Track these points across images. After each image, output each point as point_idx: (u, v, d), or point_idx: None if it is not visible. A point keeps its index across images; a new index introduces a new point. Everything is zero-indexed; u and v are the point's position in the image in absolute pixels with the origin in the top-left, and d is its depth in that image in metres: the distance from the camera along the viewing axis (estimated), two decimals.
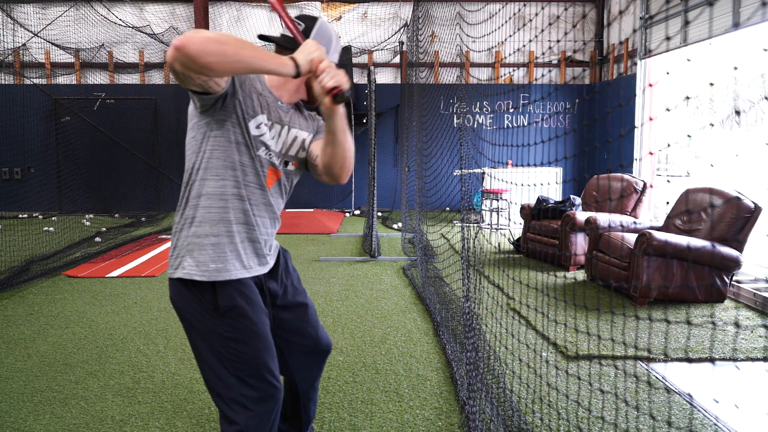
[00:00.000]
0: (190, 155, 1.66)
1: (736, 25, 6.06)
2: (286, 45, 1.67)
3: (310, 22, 1.72)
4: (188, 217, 1.64)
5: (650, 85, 7.93)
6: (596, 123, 9.79)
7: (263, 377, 1.66)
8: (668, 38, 7.37)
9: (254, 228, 1.68)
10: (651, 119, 7.89)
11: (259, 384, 1.65)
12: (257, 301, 1.70)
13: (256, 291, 1.72)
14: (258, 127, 1.64)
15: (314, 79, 1.56)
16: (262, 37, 1.70)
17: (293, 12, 10.36)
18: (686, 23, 7.04)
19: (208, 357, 1.65)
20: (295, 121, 1.76)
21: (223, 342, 1.63)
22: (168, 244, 7.08)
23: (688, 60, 6.43)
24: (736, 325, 4.05)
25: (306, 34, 1.69)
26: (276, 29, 10.24)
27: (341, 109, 1.58)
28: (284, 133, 1.72)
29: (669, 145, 7.82)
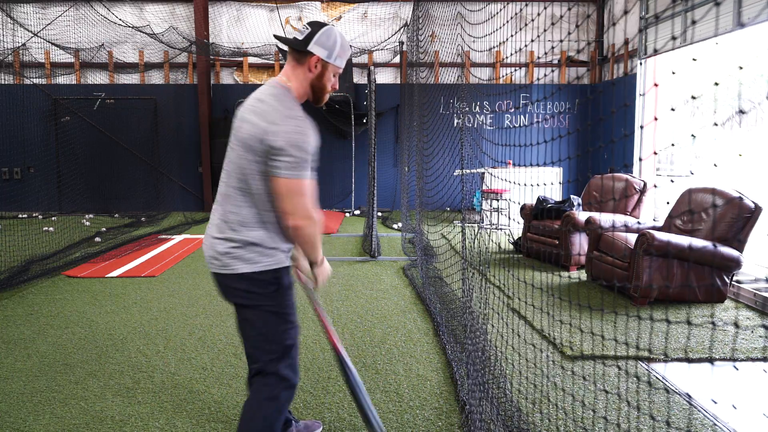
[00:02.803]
0: (262, 183, 1.82)
1: (739, 25, 6.06)
2: (296, 47, 1.83)
3: (316, 27, 1.84)
4: (264, 222, 1.87)
5: (655, 85, 7.92)
6: (597, 123, 9.79)
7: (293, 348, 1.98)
8: (671, 39, 7.37)
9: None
10: (656, 119, 7.89)
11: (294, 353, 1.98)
12: None
13: None
14: None
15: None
16: (277, 37, 1.90)
17: (294, 12, 10.37)
18: (686, 24, 7.04)
19: (268, 330, 1.90)
20: None
21: (282, 314, 1.91)
22: (169, 244, 7.08)
23: (694, 59, 6.42)
24: (736, 325, 4.05)
25: (308, 39, 1.82)
26: (275, 28, 10.24)
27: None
28: None
29: (673, 145, 7.82)
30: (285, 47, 1.97)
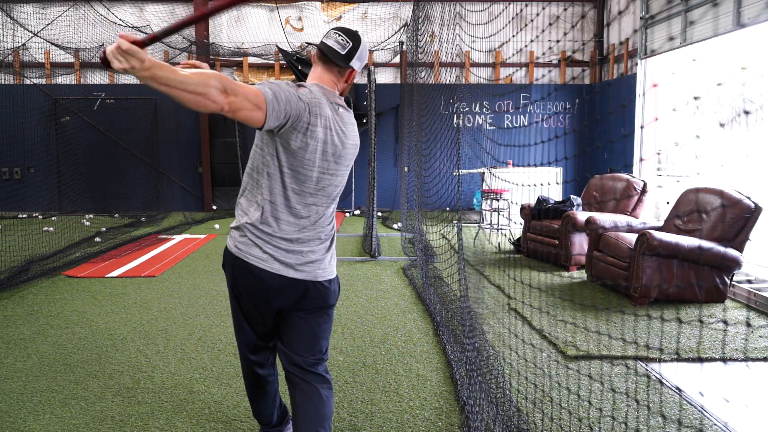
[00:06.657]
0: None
1: (739, 25, 6.06)
2: (341, 63, 1.92)
3: (356, 41, 1.95)
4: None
5: (654, 86, 7.92)
6: (596, 123, 9.79)
7: (244, 356, 2.16)
8: (671, 38, 7.37)
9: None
10: (656, 119, 7.88)
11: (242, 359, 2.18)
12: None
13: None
14: None
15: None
16: (326, 50, 1.92)
17: (294, 12, 10.37)
18: (686, 23, 7.04)
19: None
20: None
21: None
22: (169, 244, 7.08)
23: (694, 60, 6.43)
24: (725, 323, 4.05)
25: (351, 55, 1.93)
26: (276, 29, 10.25)
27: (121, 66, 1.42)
28: None
29: (660, 152, 7.82)
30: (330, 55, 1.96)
